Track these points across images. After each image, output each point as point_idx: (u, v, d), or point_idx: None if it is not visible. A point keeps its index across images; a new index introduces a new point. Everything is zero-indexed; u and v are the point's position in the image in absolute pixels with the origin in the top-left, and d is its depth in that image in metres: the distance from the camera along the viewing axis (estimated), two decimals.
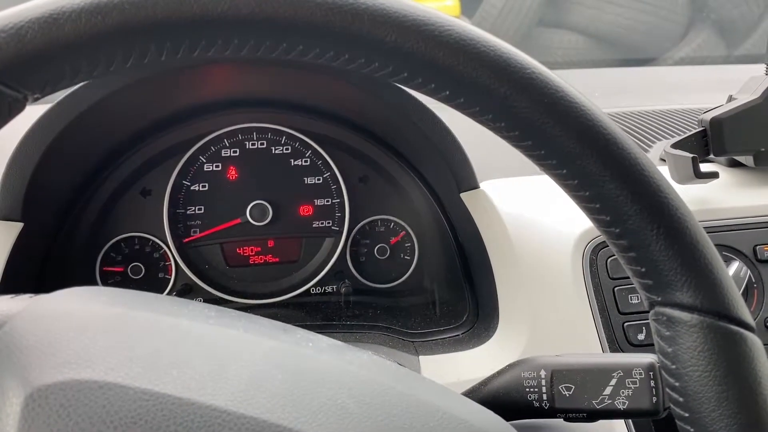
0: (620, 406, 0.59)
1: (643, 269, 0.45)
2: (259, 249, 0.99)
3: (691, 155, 0.75)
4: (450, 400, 0.47)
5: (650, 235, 0.44)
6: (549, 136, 0.43)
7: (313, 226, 0.99)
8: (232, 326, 0.45)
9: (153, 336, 0.40)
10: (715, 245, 0.79)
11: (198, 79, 0.87)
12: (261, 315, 0.89)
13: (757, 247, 0.79)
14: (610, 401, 0.59)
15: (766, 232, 0.80)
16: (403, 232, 1.01)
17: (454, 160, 0.80)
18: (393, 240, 1.01)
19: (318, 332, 0.82)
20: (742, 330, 0.43)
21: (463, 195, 0.82)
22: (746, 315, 0.44)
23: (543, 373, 0.62)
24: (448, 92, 0.43)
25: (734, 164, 0.88)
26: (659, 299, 0.45)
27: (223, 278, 0.97)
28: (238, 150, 0.97)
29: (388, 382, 0.43)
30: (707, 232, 0.80)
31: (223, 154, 0.97)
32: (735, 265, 0.77)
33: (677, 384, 0.45)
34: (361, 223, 1.00)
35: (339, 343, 0.50)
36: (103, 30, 0.37)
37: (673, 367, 0.45)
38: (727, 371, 0.42)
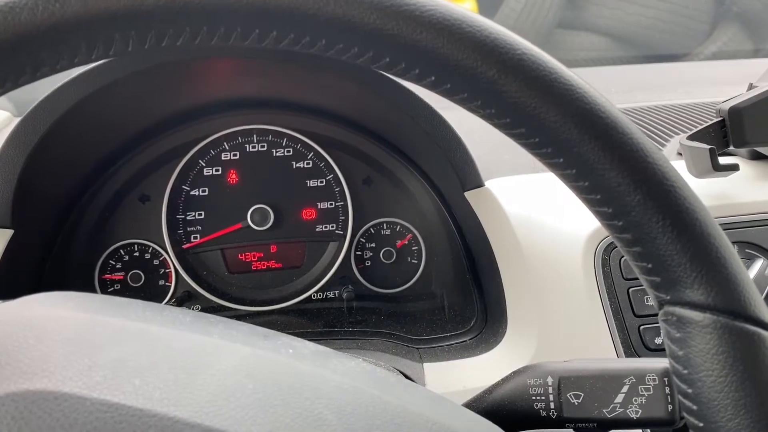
0: (633, 416, 0.55)
1: (650, 265, 0.41)
2: (261, 254, 0.96)
3: (709, 147, 0.71)
4: (444, 411, 0.43)
5: (656, 228, 0.40)
6: (543, 121, 0.40)
7: (317, 230, 0.96)
8: (207, 333, 0.42)
9: (118, 343, 0.37)
10: (738, 242, 0.75)
11: (195, 79, 0.85)
12: (262, 322, 0.87)
13: None
14: (621, 410, 0.55)
15: None
16: (410, 235, 0.98)
17: (456, 158, 0.76)
18: (399, 243, 0.97)
19: (319, 339, 0.80)
20: (760, 330, 0.39)
21: (467, 194, 0.78)
22: (765, 313, 0.39)
23: (550, 380, 0.58)
24: (433, 78, 0.39)
25: (757, 156, 0.83)
26: (668, 298, 0.41)
27: (225, 285, 0.95)
28: (238, 153, 0.95)
29: (374, 391, 0.40)
30: (729, 229, 0.76)
31: (223, 158, 0.95)
32: (759, 263, 0.72)
33: (690, 391, 0.41)
34: (366, 226, 0.97)
35: (325, 349, 0.47)
36: (62, 19, 0.35)
37: (685, 372, 0.41)
38: (745, 376, 0.38)
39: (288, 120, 0.94)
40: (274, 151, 0.95)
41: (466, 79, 0.39)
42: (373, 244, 0.98)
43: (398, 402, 0.39)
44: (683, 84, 1.53)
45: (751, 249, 0.74)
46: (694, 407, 0.41)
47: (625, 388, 0.55)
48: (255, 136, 0.95)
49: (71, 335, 0.36)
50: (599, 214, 0.42)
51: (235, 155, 0.95)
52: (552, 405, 0.57)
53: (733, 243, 0.74)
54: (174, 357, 0.37)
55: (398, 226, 0.98)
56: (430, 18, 0.38)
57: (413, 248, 0.98)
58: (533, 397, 0.58)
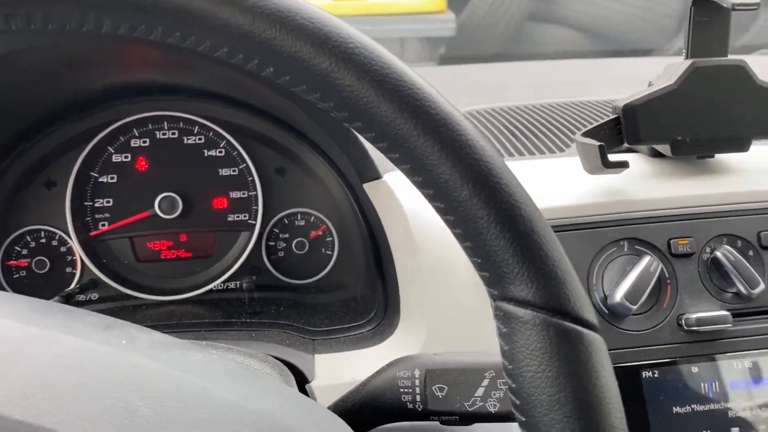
0: (491, 409, 0.55)
1: (480, 260, 0.42)
2: (171, 243, 0.95)
3: (598, 144, 0.71)
4: (287, 407, 0.43)
5: (481, 224, 0.40)
6: (376, 116, 0.40)
7: (228, 219, 0.95)
8: (38, 323, 0.41)
9: None
10: (628, 239, 0.76)
11: (104, 63, 0.84)
12: (163, 312, 0.86)
13: (672, 241, 0.75)
14: (481, 403, 0.56)
15: (680, 225, 0.76)
16: (324, 226, 0.97)
17: (350, 150, 0.76)
18: (313, 234, 0.97)
19: (215, 330, 0.79)
20: (578, 327, 0.39)
21: (366, 186, 0.78)
22: (584, 311, 0.40)
23: (417, 373, 0.58)
24: (272, 69, 0.39)
25: (657, 154, 0.84)
26: (496, 293, 0.42)
27: (132, 273, 0.93)
28: (148, 140, 0.93)
29: (207, 385, 0.40)
30: (620, 225, 0.77)
31: (132, 144, 0.93)
32: (645, 260, 0.73)
33: (514, 386, 0.41)
34: (278, 217, 0.96)
35: (171, 341, 0.46)
36: None
37: (510, 367, 0.41)
38: (559, 372, 0.39)
39: (200, 107, 0.93)
40: (185, 138, 0.94)
41: (302, 71, 0.39)
42: (287, 235, 0.97)
43: (232, 397, 0.39)
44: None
45: (640, 245, 0.75)
46: (518, 402, 0.41)
47: (485, 382, 0.55)
48: (166, 123, 0.94)
49: None
50: (436, 209, 0.42)
51: (144, 142, 0.93)
52: (418, 397, 0.57)
53: (623, 239, 0.75)
54: None
55: (312, 217, 0.97)
56: (263, 8, 0.38)
57: (327, 239, 0.97)
58: (401, 389, 0.58)
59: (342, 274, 0.97)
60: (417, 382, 0.57)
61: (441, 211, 0.42)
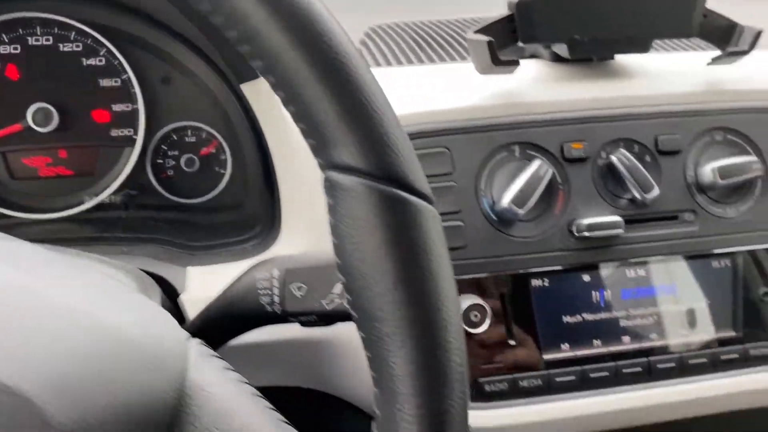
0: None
1: (305, 126, 0.37)
2: (50, 160, 0.88)
3: (488, 39, 0.67)
4: (103, 302, 0.38)
5: (302, 82, 0.36)
6: None
7: (111, 134, 0.88)
8: None
9: None
10: (519, 143, 0.73)
11: None
12: (40, 230, 0.79)
13: (565, 145, 0.72)
14: (339, 301, 0.52)
15: (574, 129, 0.72)
16: (215, 142, 0.91)
17: (225, 49, 0.70)
18: (203, 151, 0.91)
19: (87, 246, 0.73)
20: (405, 194, 0.36)
21: (243, 87, 0.72)
22: (413, 177, 0.36)
23: (276, 273, 0.54)
24: None
25: (558, 59, 0.80)
26: (323, 162, 0.38)
27: (6, 191, 0.86)
28: (19, 46, 0.85)
29: (21, 279, 0.35)
30: (513, 129, 0.73)
31: (0, 51, 0.85)
32: (536, 164, 0.69)
33: (340, 262, 0.37)
34: (164, 131, 0.90)
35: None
36: None
37: (337, 243, 0.38)
38: (383, 241, 0.35)
39: (77, 10, 0.85)
40: (60, 45, 0.86)
41: None
42: (176, 152, 0.91)
43: (46, 292, 0.35)
44: None
45: (532, 150, 0.71)
46: (344, 280, 0.38)
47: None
48: (38, 27, 0.86)
49: None
50: (258, 71, 0.38)
51: (15, 48, 0.85)
52: (276, 299, 0.54)
53: (515, 144, 0.71)
54: None
55: (203, 133, 0.91)
56: None
57: (220, 157, 0.91)
58: (259, 292, 0.54)
59: (236, 192, 0.92)
60: (275, 283, 0.54)
61: (261, 71, 0.37)
